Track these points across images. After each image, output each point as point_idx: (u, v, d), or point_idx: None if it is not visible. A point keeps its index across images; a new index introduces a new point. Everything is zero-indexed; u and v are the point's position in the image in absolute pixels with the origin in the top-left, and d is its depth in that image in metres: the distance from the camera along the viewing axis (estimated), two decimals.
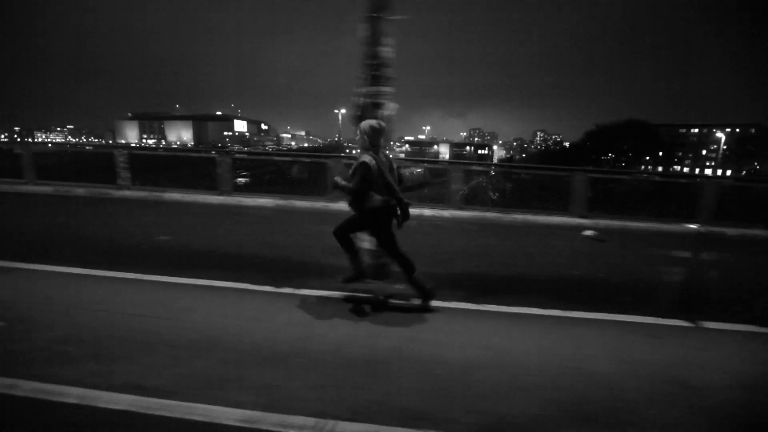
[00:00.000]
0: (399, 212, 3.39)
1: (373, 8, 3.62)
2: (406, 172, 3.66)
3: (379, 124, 3.33)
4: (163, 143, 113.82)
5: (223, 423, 2.04)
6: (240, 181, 9.26)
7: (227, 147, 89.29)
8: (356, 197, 3.28)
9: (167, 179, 8.49)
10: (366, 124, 3.32)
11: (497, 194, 9.32)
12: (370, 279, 3.68)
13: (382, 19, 3.63)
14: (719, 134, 63.78)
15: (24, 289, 3.55)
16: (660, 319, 3.54)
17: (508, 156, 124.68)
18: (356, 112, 3.83)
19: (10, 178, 8.59)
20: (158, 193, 8.05)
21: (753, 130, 68.59)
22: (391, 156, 3.49)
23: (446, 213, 7.41)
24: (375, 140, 3.30)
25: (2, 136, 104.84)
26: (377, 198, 3.27)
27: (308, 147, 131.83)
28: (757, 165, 66.91)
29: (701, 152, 76.12)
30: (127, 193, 8.16)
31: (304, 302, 3.53)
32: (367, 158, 3.21)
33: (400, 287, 3.95)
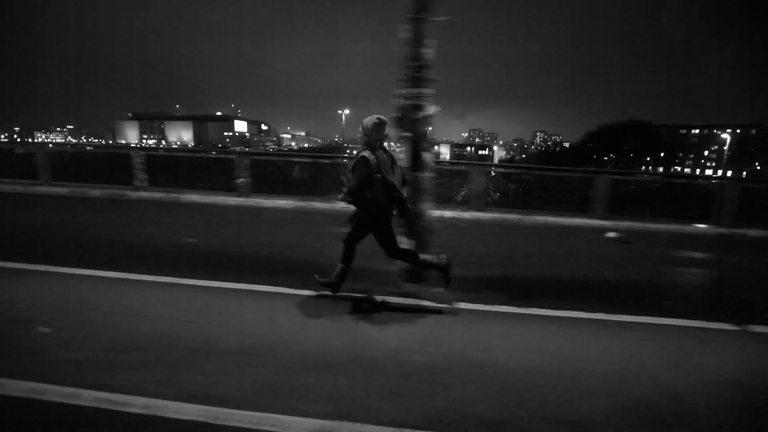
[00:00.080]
0: (399, 212, 3.35)
1: (416, 10, 3.58)
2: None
3: (380, 119, 3.27)
4: (164, 143, 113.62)
5: None
6: (240, 182, 9.18)
7: (228, 147, 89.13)
8: (357, 195, 3.21)
9: (184, 180, 8.44)
10: (369, 119, 3.27)
11: (498, 194, 9.33)
12: (339, 293, 3.62)
13: (424, 21, 3.59)
14: (724, 135, 63.79)
15: (60, 294, 3.50)
16: (705, 322, 3.51)
17: (509, 156, 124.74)
18: (396, 113, 3.79)
19: (25, 180, 8.54)
20: (175, 195, 8.00)
21: (753, 131, 68.71)
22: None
23: (467, 215, 7.37)
24: (377, 136, 3.23)
25: (2, 137, 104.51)
26: (378, 196, 3.21)
27: (312, 147, 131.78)
28: (758, 165, 67.03)
29: (703, 153, 76.20)
30: (143, 194, 8.10)
31: (348, 307, 3.48)
32: (366, 153, 3.17)
33: (438, 290, 3.92)
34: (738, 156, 65.65)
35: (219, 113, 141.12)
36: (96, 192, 8.19)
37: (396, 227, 3.99)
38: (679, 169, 74.80)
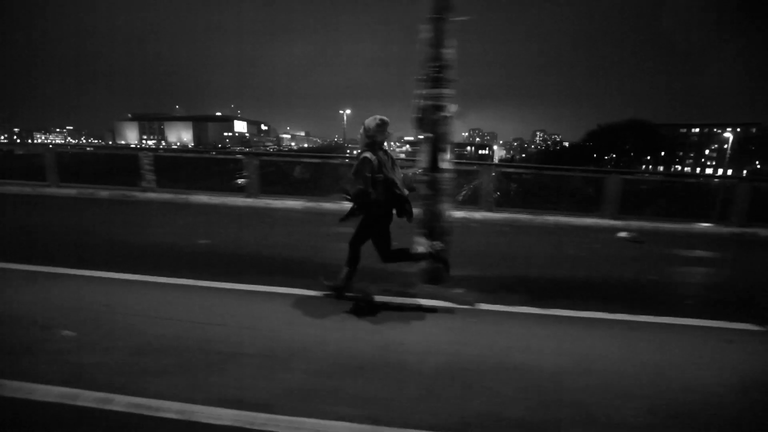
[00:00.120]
0: (400, 209, 3.33)
1: (437, 10, 3.55)
2: (409, 172, 3.63)
3: (382, 120, 3.25)
4: (163, 144, 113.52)
5: None
6: (239, 182, 9.16)
7: (228, 148, 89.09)
8: (364, 197, 3.19)
9: (191, 181, 8.41)
10: (370, 120, 3.24)
11: (498, 193, 9.34)
12: (347, 294, 3.61)
13: (445, 21, 3.57)
14: (726, 134, 63.76)
15: (80, 297, 3.48)
16: (728, 323, 3.49)
17: (509, 156, 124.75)
18: (416, 114, 3.77)
19: (32, 181, 8.51)
20: (184, 196, 7.97)
21: (754, 130, 68.73)
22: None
23: (478, 215, 7.35)
24: (378, 137, 3.22)
25: (2, 138, 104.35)
26: (379, 196, 3.22)
27: (312, 147, 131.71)
28: (758, 164, 67.06)
29: (703, 152, 76.21)
30: (152, 195, 8.07)
31: (371, 308, 3.46)
32: (368, 154, 3.15)
33: (458, 291, 3.90)
34: (738, 155, 65.66)
35: (219, 114, 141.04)
36: (104, 193, 8.16)
37: (416, 229, 3.99)
38: (679, 168, 74.79)
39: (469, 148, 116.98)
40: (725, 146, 70.91)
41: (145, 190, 8.16)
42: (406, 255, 3.54)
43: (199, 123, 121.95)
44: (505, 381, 2.49)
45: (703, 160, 76.18)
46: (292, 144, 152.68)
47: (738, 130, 65.83)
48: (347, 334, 3.01)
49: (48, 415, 2.09)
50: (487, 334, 3.10)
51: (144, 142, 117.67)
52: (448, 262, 3.65)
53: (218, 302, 3.46)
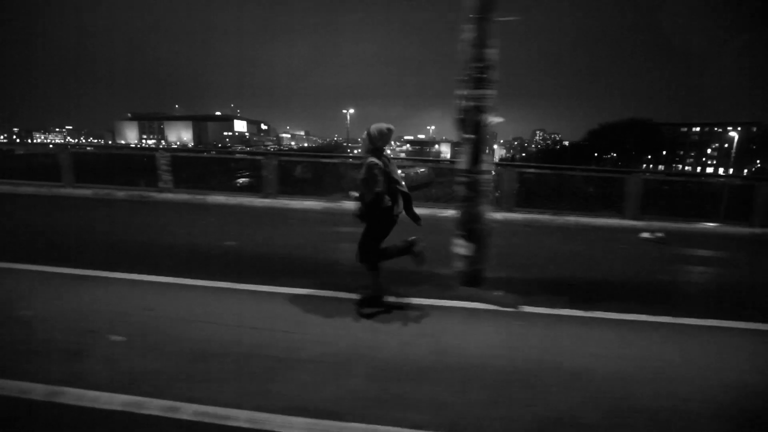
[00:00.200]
0: (407, 206, 3.35)
1: (480, 9, 3.51)
2: (411, 172, 3.60)
3: (388, 129, 3.29)
4: (163, 144, 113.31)
5: None
6: (240, 182, 9.13)
7: (228, 147, 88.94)
8: (381, 200, 3.19)
9: (209, 181, 8.36)
10: (375, 127, 3.27)
11: (499, 192, 9.35)
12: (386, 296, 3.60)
13: (488, 21, 3.53)
14: (732, 133, 63.76)
15: (120, 300, 3.43)
16: None
17: (509, 155, 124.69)
18: (458, 115, 3.73)
19: (47, 181, 8.45)
20: (201, 196, 7.92)
21: (755, 129, 68.80)
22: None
23: (498, 215, 7.31)
24: (382, 143, 3.26)
25: (2, 137, 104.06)
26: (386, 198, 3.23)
27: (312, 146, 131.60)
28: (759, 164, 67.15)
29: (704, 151, 76.25)
30: (169, 196, 8.02)
31: (415, 311, 3.42)
32: (374, 160, 3.18)
33: (498, 293, 3.87)
34: (740, 154, 65.71)
35: (218, 113, 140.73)
36: (120, 194, 8.11)
37: (455, 231, 3.95)
38: (680, 167, 74.82)
39: None
40: (726, 145, 71.03)
41: (161, 190, 8.11)
42: (386, 254, 3.49)
43: (199, 122, 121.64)
44: (570, 386, 2.46)
45: (704, 159, 76.21)
46: (292, 143, 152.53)
47: (739, 129, 65.86)
48: (397, 338, 2.97)
49: (116, 424, 2.05)
50: (538, 338, 3.07)
51: (144, 141, 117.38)
52: (423, 255, 3.54)
53: (258, 306, 3.42)
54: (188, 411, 2.12)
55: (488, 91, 3.64)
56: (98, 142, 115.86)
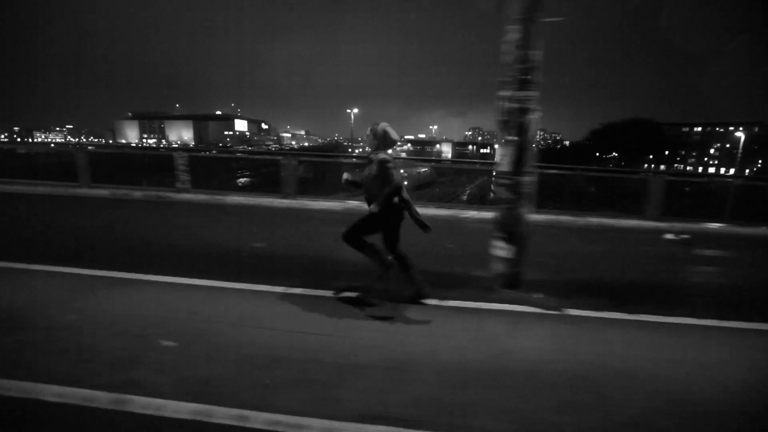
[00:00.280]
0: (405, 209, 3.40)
1: (526, 10, 3.47)
2: (413, 172, 3.61)
3: (392, 131, 3.41)
4: (164, 143, 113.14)
5: None
6: (241, 182, 9.10)
7: (230, 147, 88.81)
8: (394, 193, 3.26)
9: (226, 181, 8.32)
10: (382, 126, 3.39)
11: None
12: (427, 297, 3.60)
13: (533, 22, 3.49)
14: (738, 134, 63.70)
15: (163, 304, 3.39)
16: None
17: None
18: (502, 116, 3.69)
19: (63, 182, 8.40)
20: (220, 197, 7.88)
21: (756, 129, 68.80)
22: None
23: None
24: (388, 144, 3.39)
25: (2, 137, 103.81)
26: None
27: (312, 146, 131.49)
28: (760, 163, 67.18)
29: (708, 151, 76.22)
30: (187, 196, 7.98)
31: (462, 315, 3.39)
32: (386, 156, 3.29)
33: (538, 296, 3.83)
34: (741, 154, 65.72)
35: (219, 112, 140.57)
36: (138, 194, 8.06)
37: (495, 233, 3.92)
38: (681, 167, 74.81)
39: (470, 147, 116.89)
40: (728, 145, 71.03)
41: (179, 190, 8.06)
42: (364, 249, 3.53)
43: (199, 122, 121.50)
44: (635, 390, 2.43)
45: (706, 159, 76.21)
46: (293, 143, 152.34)
47: (740, 128, 65.83)
48: (451, 342, 2.93)
49: None
50: (589, 342, 3.03)
51: (144, 141, 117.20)
52: (387, 279, 3.59)
53: (304, 309, 3.38)
54: (259, 420, 2.09)
55: (532, 93, 3.60)
56: (99, 141, 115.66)
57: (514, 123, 3.64)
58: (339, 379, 2.44)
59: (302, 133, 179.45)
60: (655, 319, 3.47)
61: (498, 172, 3.85)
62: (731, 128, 71.45)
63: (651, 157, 71.79)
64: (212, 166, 9.34)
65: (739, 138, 59.80)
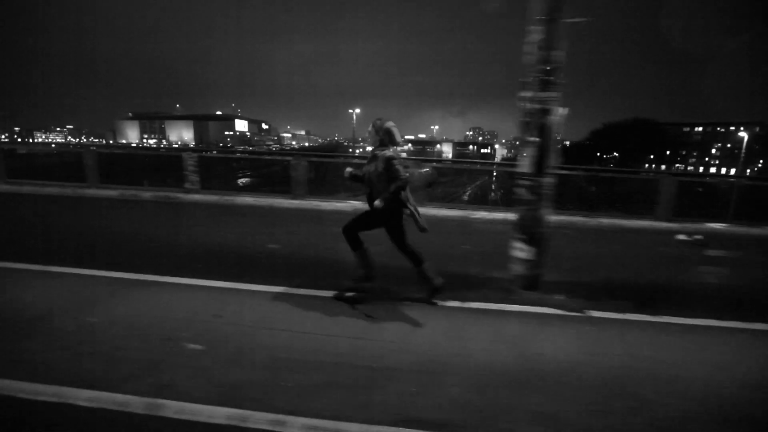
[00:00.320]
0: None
1: (548, 11, 3.45)
2: (414, 171, 3.61)
3: (395, 128, 3.44)
4: (164, 143, 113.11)
5: None
6: (242, 182, 9.08)
7: (230, 146, 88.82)
8: (402, 187, 3.30)
9: (235, 182, 8.31)
10: (386, 125, 3.41)
11: (501, 192, 9.36)
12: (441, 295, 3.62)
13: (557, 23, 3.47)
14: (742, 134, 63.63)
15: (185, 307, 3.37)
16: None
17: (510, 155, 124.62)
18: (524, 117, 3.67)
19: (71, 182, 8.38)
20: (230, 197, 7.86)
21: (757, 129, 68.76)
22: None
23: None
24: (391, 141, 3.41)
25: (3, 137, 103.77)
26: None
27: (312, 146, 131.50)
28: (762, 163, 67.17)
29: (709, 151, 76.18)
30: (196, 197, 7.96)
31: (486, 317, 3.37)
32: (391, 152, 3.32)
33: (559, 297, 3.82)
34: (741, 154, 65.69)
35: (219, 112, 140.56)
36: (147, 195, 8.05)
37: (516, 234, 3.90)
38: (682, 167, 74.81)
39: (471, 147, 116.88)
40: (729, 145, 71.02)
41: (188, 191, 8.05)
42: (362, 255, 3.61)
43: (200, 122, 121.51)
44: (668, 393, 2.42)
45: (707, 159, 76.18)
46: (293, 143, 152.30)
47: (741, 128, 65.79)
48: (478, 345, 2.91)
49: None
50: (616, 344, 3.02)
51: (145, 141, 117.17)
52: (363, 290, 3.65)
53: (327, 312, 3.36)
54: (296, 424, 2.07)
55: (554, 94, 3.59)
56: (99, 141, 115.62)
57: (536, 124, 3.63)
58: (372, 382, 2.42)
59: (303, 133, 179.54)
60: (679, 321, 3.46)
61: (519, 173, 3.83)
62: (732, 128, 71.41)
63: (652, 157, 71.80)
64: (220, 166, 9.33)
65: (742, 138, 59.67)
